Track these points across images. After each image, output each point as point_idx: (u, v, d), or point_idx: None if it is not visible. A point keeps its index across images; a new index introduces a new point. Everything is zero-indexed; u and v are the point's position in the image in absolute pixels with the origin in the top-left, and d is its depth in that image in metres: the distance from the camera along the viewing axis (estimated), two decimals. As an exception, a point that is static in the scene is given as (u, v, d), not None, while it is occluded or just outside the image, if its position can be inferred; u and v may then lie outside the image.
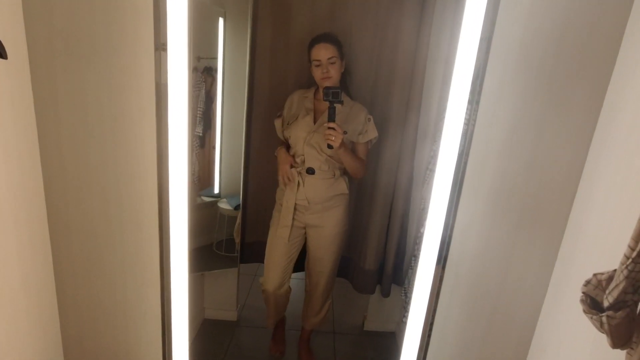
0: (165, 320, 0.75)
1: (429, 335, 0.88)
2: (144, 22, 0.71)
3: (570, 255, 0.75)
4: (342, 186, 1.58)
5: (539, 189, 0.79)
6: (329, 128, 1.36)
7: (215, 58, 1.83)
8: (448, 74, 1.69)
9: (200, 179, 1.94)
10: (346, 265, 1.86)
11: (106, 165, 0.75)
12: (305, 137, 1.50)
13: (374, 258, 1.75)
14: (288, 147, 1.63)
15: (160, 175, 0.71)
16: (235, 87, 1.78)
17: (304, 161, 1.52)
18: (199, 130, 1.90)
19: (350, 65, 1.59)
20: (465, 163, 0.74)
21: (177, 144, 0.72)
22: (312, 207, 1.55)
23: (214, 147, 1.94)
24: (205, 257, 1.95)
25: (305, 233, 1.64)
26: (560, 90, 0.78)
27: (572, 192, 0.75)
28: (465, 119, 0.69)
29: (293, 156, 1.58)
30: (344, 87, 1.53)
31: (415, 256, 1.65)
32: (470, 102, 0.69)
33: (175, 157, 0.72)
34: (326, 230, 1.60)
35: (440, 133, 1.20)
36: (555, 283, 0.78)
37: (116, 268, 0.80)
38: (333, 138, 1.36)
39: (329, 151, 1.47)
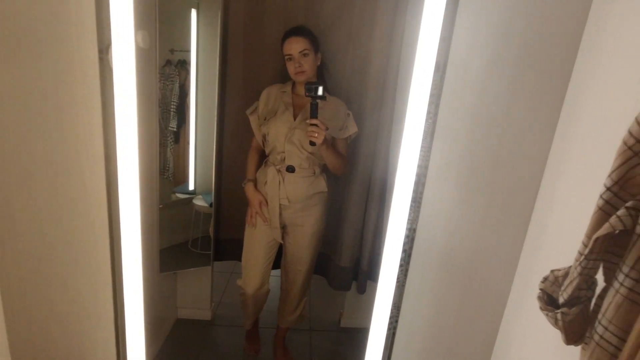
0: (119, 324, 0.71)
1: (395, 328, 0.88)
2: (91, 8, 0.66)
3: (533, 251, 0.75)
4: (322, 184, 1.56)
5: (504, 185, 0.79)
6: (312, 124, 1.33)
7: (188, 51, 1.78)
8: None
9: (175, 175, 1.89)
10: (322, 262, 1.85)
11: (53, 158, 0.71)
12: (286, 134, 1.45)
13: (350, 255, 1.75)
14: (261, 148, 1.58)
15: (108, 172, 0.67)
16: (209, 80, 1.74)
17: (284, 159, 1.48)
18: (173, 125, 1.85)
19: (326, 60, 1.57)
20: (429, 151, 0.74)
21: (126, 138, 0.68)
22: (292, 206, 1.52)
23: (188, 143, 1.89)
24: (180, 255, 1.90)
25: (283, 232, 1.62)
26: (523, 93, 0.78)
27: (535, 190, 0.75)
28: (426, 115, 0.68)
29: (270, 153, 1.52)
30: (321, 81, 1.49)
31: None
32: (431, 96, 0.69)
33: (125, 153, 0.68)
34: (305, 229, 1.58)
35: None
36: (519, 280, 0.78)
37: (68, 269, 0.76)
38: (316, 135, 1.33)
39: (310, 148, 1.44)
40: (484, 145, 0.81)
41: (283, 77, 1.64)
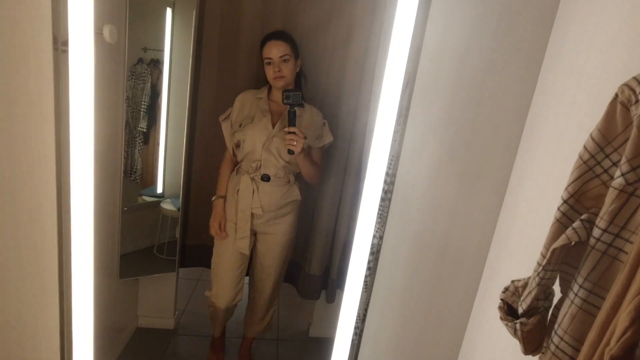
0: (65, 334, 0.66)
1: (360, 337, 0.87)
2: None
3: (496, 261, 0.76)
4: (296, 192, 1.53)
5: (467, 200, 0.81)
6: (290, 132, 1.31)
7: (162, 50, 1.73)
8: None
9: (142, 177, 1.82)
10: (291, 270, 1.82)
11: (1, 154, 0.65)
12: (264, 142, 1.41)
13: (320, 263, 1.73)
14: (234, 160, 1.54)
15: (59, 171, 0.62)
16: (182, 81, 1.69)
17: (259, 167, 1.44)
18: (143, 125, 1.79)
19: (304, 67, 1.56)
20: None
21: (80, 136, 0.64)
22: (265, 214, 1.48)
23: (158, 144, 1.83)
24: (145, 260, 1.81)
25: (254, 240, 1.58)
26: (489, 107, 0.80)
27: (499, 200, 0.77)
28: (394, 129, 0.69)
29: (243, 160, 1.48)
30: (299, 88, 1.47)
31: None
32: (401, 107, 0.69)
33: (79, 151, 0.64)
34: (277, 238, 1.55)
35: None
36: (483, 288, 0.79)
37: (13, 272, 0.70)
38: (295, 143, 1.31)
39: (288, 157, 1.42)
40: (452, 158, 0.83)
41: (259, 82, 1.62)
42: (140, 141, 1.76)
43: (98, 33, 1.07)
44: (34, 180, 0.65)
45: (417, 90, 0.78)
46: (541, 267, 0.48)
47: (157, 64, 1.73)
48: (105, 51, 1.21)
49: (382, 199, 0.75)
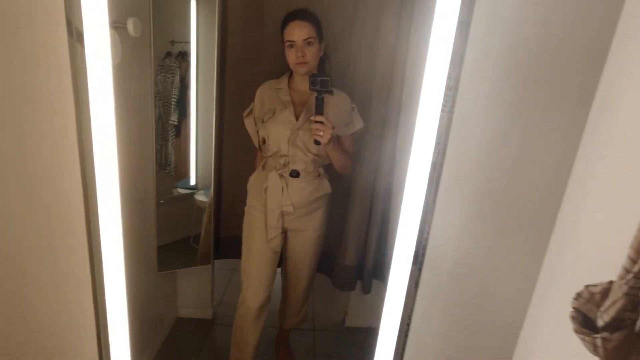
0: (102, 332, 0.66)
1: (405, 342, 0.81)
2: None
3: (557, 261, 0.67)
4: (326, 185, 1.45)
5: (524, 188, 0.71)
6: (316, 122, 1.21)
7: (188, 42, 1.72)
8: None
9: (176, 169, 1.84)
10: (326, 261, 1.79)
11: (25, 156, 0.64)
12: (288, 136, 1.32)
13: (354, 253, 1.68)
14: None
15: (84, 172, 0.61)
16: (209, 72, 1.67)
17: (287, 163, 1.35)
18: (174, 118, 1.80)
19: (327, 49, 1.45)
20: (443, 154, 0.66)
21: (103, 136, 0.62)
22: (295, 211, 1.41)
23: (189, 137, 1.83)
24: (182, 251, 1.85)
25: (285, 237, 1.51)
26: (548, 83, 0.69)
27: (560, 191, 0.67)
28: (442, 107, 0.60)
29: (271, 157, 1.40)
30: (326, 73, 1.35)
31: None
32: (448, 88, 0.61)
33: (102, 150, 0.62)
34: (308, 234, 1.48)
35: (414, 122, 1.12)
36: (540, 293, 0.70)
37: (46, 271, 0.70)
38: (321, 133, 1.21)
39: (315, 149, 1.32)
40: (502, 147, 0.73)
41: (278, 71, 1.56)
42: (172, 134, 1.78)
43: (121, 27, 1.05)
44: (60, 179, 0.64)
45: (466, 67, 0.68)
46: (631, 274, 0.40)
47: (184, 56, 1.72)
48: (130, 45, 1.19)
49: (429, 188, 0.67)
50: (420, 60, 1.65)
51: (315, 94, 1.20)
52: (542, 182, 0.71)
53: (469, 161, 0.74)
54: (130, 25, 1.04)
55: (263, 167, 1.44)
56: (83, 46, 0.56)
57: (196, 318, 1.94)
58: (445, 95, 0.57)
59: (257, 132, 1.40)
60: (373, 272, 1.73)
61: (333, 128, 1.24)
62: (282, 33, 1.30)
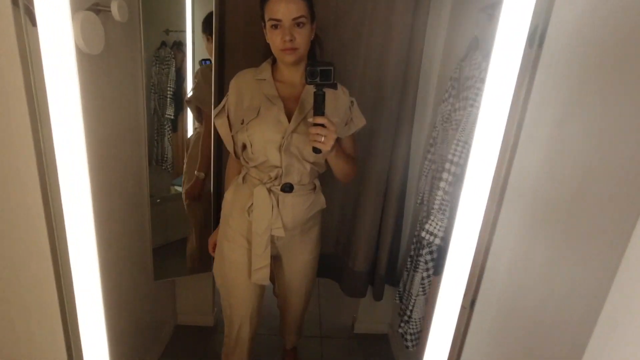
0: (73, 346, 0.55)
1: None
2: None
3: (633, 282, 0.55)
4: (322, 200, 1.21)
5: (594, 194, 0.58)
6: (316, 124, 0.93)
7: (184, 31, 1.59)
8: (448, 52, 1.51)
9: (173, 166, 1.73)
10: (334, 266, 1.68)
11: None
12: (280, 142, 1.04)
13: (365, 258, 1.57)
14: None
15: (42, 169, 0.49)
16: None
17: (279, 175, 1.08)
18: (170, 112, 1.68)
19: (321, 33, 1.13)
20: (510, 163, 0.53)
21: (67, 131, 0.50)
22: (288, 234, 1.15)
23: (186, 132, 1.72)
24: (180, 254, 1.74)
25: (274, 263, 1.29)
26: (625, 76, 0.56)
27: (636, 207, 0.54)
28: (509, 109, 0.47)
29: (257, 167, 1.11)
30: (327, 61, 1.02)
31: (411, 257, 1.47)
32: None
33: (66, 146, 0.50)
34: (302, 257, 1.25)
35: (447, 118, 0.98)
36: (607, 320, 0.58)
37: (9, 284, 0.59)
38: (323, 139, 0.94)
39: (313, 157, 1.07)
40: (570, 150, 0.60)
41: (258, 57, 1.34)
42: (169, 129, 1.67)
43: (105, 10, 0.92)
44: (19, 178, 0.52)
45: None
46: None
47: (180, 46, 1.60)
48: (117, 32, 1.06)
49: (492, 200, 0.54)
50: (435, 53, 1.51)
51: (313, 89, 0.93)
52: (616, 186, 0.58)
53: (532, 172, 0.61)
54: (114, 8, 0.91)
55: (244, 179, 1.14)
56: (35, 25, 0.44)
57: (197, 325, 1.84)
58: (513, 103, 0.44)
59: (233, 136, 1.10)
60: (385, 277, 1.62)
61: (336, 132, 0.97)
62: (262, 8, 1.01)
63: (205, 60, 1.58)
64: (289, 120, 1.04)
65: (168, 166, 1.71)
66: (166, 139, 1.68)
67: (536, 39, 0.48)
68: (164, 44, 1.56)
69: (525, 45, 0.43)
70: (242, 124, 1.06)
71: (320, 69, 0.91)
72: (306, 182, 1.12)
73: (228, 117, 1.11)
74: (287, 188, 1.09)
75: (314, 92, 0.92)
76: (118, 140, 1.14)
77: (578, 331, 0.59)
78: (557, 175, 0.58)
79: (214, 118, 1.14)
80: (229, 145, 1.13)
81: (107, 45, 0.94)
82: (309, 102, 1.02)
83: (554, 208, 0.59)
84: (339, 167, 1.10)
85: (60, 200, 0.51)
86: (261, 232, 1.11)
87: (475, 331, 0.69)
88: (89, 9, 0.84)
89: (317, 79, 0.91)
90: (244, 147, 1.09)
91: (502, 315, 0.68)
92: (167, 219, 1.65)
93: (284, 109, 1.05)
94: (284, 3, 0.95)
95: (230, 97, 1.10)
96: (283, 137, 1.03)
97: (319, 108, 0.93)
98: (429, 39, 1.40)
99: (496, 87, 0.43)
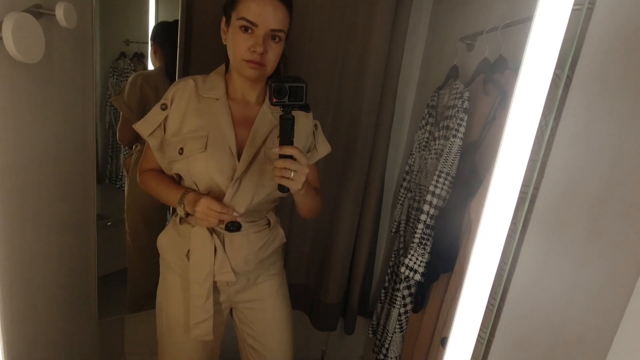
0: None
1: None
2: None
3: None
4: (280, 234, 1.02)
5: (614, 213, 0.54)
6: (283, 156, 0.74)
7: (146, 42, 1.48)
8: (423, 78, 1.50)
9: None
10: (303, 297, 1.57)
11: None
12: (229, 182, 0.85)
13: (337, 290, 1.48)
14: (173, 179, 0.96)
15: None
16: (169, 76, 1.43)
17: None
18: (127, 128, 1.55)
19: (288, 48, 0.92)
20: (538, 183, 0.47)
21: None
22: (241, 278, 0.96)
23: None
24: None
25: (229, 312, 1.04)
26: None
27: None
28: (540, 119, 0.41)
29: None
30: (296, 77, 0.81)
31: (385, 288, 1.40)
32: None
33: None
34: (269, 301, 1.02)
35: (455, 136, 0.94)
36: (626, 335, 0.53)
37: None
38: (292, 175, 0.74)
39: (276, 195, 0.90)
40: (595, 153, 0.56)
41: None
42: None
43: (48, 14, 0.80)
44: None
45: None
46: None
47: (141, 57, 1.49)
48: (64, 38, 0.93)
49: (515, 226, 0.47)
50: (412, 76, 1.49)
51: (279, 112, 0.74)
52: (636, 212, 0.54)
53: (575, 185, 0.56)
54: (60, 12, 0.79)
55: (178, 215, 0.94)
56: None
57: (148, 367, 1.64)
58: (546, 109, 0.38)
59: (170, 164, 0.90)
60: (357, 308, 1.53)
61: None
62: (232, 3, 0.82)
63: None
64: (239, 157, 0.85)
65: (122, 184, 1.56)
66: (122, 155, 1.54)
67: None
68: (123, 54, 1.45)
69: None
70: (180, 153, 0.85)
71: (290, 85, 0.72)
72: (256, 218, 0.94)
73: (162, 138, 0.91)
74: (233, 227, 0.90)
75: (281, 116, 0.74)
76: (57, 159, 0.98)
77: (598, 347, 0.53)
78: (580, 192, 0.54)
79: (148, 137, 0.90)
80: (165, 169, 0.94)
81: (49, 53, 0.81)
82: (263, 131, 0.85)
83: (576, 224, 0.55)
84: (307, 204, 0.91)
85: None
86: (201, 280, 0.90)
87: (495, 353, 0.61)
88: (26, 11, 0.72)
89: (285, 99, 0.73)
90: (179, 176, 0.92)
91: (522, 335, 0.61)
92: (120, 243, 1.49)
93: (235, 138, 0.85)
94: (268, 6, 0.78)
95: (172, 113, 0.87)
96: (234, 179, 0.85)
97: (287, 135, 0.74)
98: (405, 64, 1.38)
99: (523, 104, 0.37)
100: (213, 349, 1.03)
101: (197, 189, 0.89)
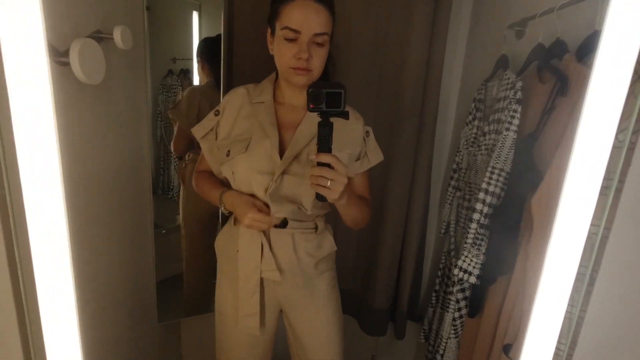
0: None
1: None
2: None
3: None
4: (330, 242, 1.00)
5: None
6: (320, 164, 0.72)
7: (190, 59, 1.56)
8: (467, 71, 1.45)
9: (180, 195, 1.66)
10: (352, 302, 1.55)
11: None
12: (267, 184, 0.86)
13: (385, 294, 1.44)
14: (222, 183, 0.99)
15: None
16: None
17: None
18: (176, 141, 1.64)
19: (335, 52, 0.93)
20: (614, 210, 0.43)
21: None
22: (287, 280, 0.95)
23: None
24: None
25: (280, 311, 1.05)
26: None
27: None
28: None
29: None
30: (336, 83, 0.82)
31: (437, 291, 1.34)
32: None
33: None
34: (316, 316, 1.01)
35: (474, 142, 0.89)
36: None
37: None
38: (329, 183, 0.72)
39: (315, 205, 0.89)
40: None
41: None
42: (175, 157, 1.62)
43: (107, 38, 0.86)
44: None
45: None
46: None
47: (187, 73, 1.57)
48: (120, 60, 1.00)
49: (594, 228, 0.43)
50: (456, 68, 1.43)
51: (317, 118, 0.71)
52: None
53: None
54: (117, 35, 0.85)
55: (235, 221, 0.98)
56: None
57: (204, 369, 1.70)
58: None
59: (221, 166, 0.94)
60: (407, 313, 1.49)
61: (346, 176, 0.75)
62: (274, 10, 0.83)
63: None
64: (282, 157, 0.85)
65: (174, 195, 1.64)
66: (172, 166, 1.62)
67: None
68: (170, 72, 1.54)
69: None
70: (227, 155, 0.89)
71: (327, 91, 0.69)
72: (303, 218, 0.93)
73: (216, 141, 0.95)
74: (280, 223, 0.90)
75: (319, 123, 0.70)
76: (119, 171, 1.06)
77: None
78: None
79: (201, 140, 0.97)
80: (215, 171, 0.99)
81: (109, 74, 0.88)
82: (308, 132, 0.84)
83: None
84: (350, 215, 0.89)
85: (29, 250, 0.42)
86: (248, 274, 0.92)
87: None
88: (89, 37, 0.78)
89: (323, 105, 0.69)
90: (225, 179, 0.95)
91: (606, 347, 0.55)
92: (173, 250, 1.56)
93: (278, 141, 0.86)
94: (310, 12, 0.77)
95: (224, 119, 0.92)
96: (272, 181, 0.85)
97: (324, 143, 0.71)
98: (448, 57, 1.33)
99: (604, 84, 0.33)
100: (264, 349, 1.05)
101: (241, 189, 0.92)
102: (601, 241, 0.47)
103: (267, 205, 0.89)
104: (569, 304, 0.37)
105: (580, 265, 0.36)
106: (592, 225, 0.35)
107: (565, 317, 0.36)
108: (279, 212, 0.89)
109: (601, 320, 0.51)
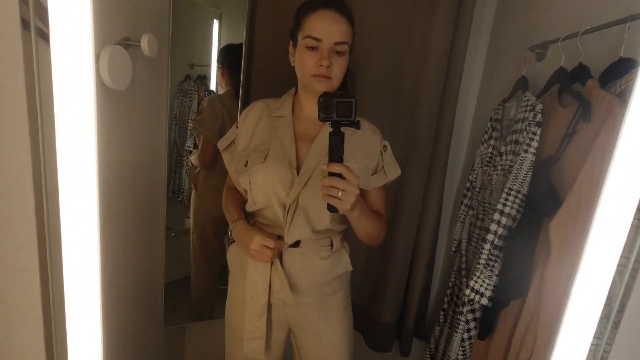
0: None
1: None
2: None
3: None
4: (345, 261, 0.97)
5: None
6: (332, 174, 0.71)
7: (208, 65, 1.59)
8: (484, 91, 1.44)
9: (190, 198, 1.68)
10: (358, 315, 1.54)
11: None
12: (284, 198, 0.86)
13: (392, 309, 1.43)
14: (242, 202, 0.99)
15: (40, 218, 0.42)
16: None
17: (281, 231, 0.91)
18: (190, 144, 1.66)
19: (353, 66, 0.95)
20: None
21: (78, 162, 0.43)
22: (298, 299, 0.92)
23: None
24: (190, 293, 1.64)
25: (289, 331, 1.02)
26: None
27: None
28: None
29: (255, 216, 0.95)
30: (346, 91, 0.93)
31: (445, 310, 1.33)
32: None
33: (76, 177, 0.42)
34: (326, 336, 0.98)
35: (486, 161, 0.89)
36: None
37: None
38: (340, 194, 0.71)
39: (327, 217, 0.87)
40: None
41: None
42: (187, 161, 1.64)
43: (134, 45, 0.88)
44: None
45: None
46: None
47: (203, 79, 1.59)
48: (145, 66, 1.03)
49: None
50: (473, 87, 1.43)
51: (328, 127, 0.72)
52: None
53: None
54: (144, 43, 0.87)
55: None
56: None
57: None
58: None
59: (238, 177, 0.93)
60: (414, 330, 1.47)
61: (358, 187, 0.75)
62: (297, 22, 0.86)
63: (208, 91, 1.57)
64: (299, 172, 0.85)
65: (184, 198, 1.66)
66: (184, 170, 1.64)
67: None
68: (187, 77, 1.56)
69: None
70: (245, 165, 0.89)
71: (337, 100, 0.69)
72: (317, 237, 0.91)
73: (236, 152, 0.97)
74: (294, 242, 0.89)
75: (330, 132, 0.71)
76: (137, 173, 1.08)
77: None
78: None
79: (223, 151, 0.99)
80: (237, 185, 0.98)
81: (134, 80, 0.90)
82: (325, 144, 0.81)
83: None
84: (363, 228, 0.87)
85: (60, 242, 0.43)
86: (256, 296, 0.90)
87: None
88: (118, 44, 0.80)
89: (334, 115, 0.70)
90: (245, 191, 0.95)
91: None
92: (180, 253, 1.57)
93: (296, 154, 0.86)
94: (331, 21, 0.81)
95: (242, 131, 0.94)
96: (289, 195, 0.85)
97: (335, 153, 0.71)
98: (466, 75, 1.33)
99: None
100: None
101: (253, 205, 0.92)
102: (630, 273, 0.46)
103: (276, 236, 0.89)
104: (594, 337, 0.37)
105: (608, 297, 0.36)
106: (621, 257, 0.35)
107: (589, 350, 0.35)
108: (293, 234, 0.88)
109: (627, 354, 0.50)
